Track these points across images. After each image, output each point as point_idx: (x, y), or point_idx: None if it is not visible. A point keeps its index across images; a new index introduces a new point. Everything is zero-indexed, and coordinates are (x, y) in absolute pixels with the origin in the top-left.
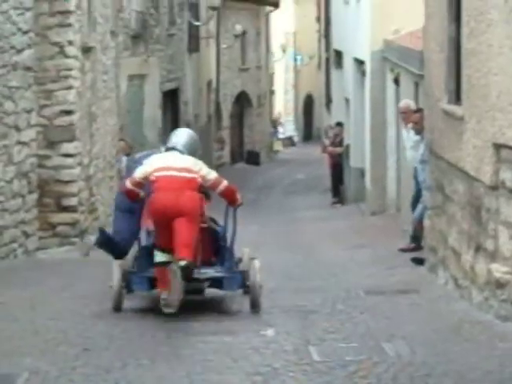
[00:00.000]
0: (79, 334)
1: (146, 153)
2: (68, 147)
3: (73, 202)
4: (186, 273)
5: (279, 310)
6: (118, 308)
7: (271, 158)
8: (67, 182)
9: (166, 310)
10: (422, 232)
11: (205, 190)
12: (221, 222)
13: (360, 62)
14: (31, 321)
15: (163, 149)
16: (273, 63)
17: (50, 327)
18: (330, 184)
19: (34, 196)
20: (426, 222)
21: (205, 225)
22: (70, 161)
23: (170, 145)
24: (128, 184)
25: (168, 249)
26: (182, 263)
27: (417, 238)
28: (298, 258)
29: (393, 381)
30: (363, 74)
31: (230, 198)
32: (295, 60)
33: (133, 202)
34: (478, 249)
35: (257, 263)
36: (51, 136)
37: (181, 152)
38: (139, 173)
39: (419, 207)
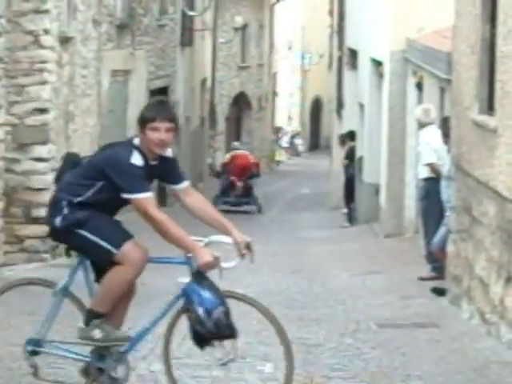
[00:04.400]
0: (49, 364)
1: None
2: (40, 150)
3: (44, 212)
4: None
5: (278, 342)
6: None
7: (272, 169)
8: (38, 190)
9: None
10: (445, 259)
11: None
12: None
13: (378, 63)
14: None
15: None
16: (277, 61)
17: (15, 354)
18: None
19: (0, 205)
20: (450, 248)
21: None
22: (42, 166)
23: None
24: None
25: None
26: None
27: (438, 266)
28: (300, 283)
29: None
30: (381, 76)
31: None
32: (303, 58)
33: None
34: (510, 280)
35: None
36: (21, 137)
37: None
38: (226, 157)
39: (441, 230)
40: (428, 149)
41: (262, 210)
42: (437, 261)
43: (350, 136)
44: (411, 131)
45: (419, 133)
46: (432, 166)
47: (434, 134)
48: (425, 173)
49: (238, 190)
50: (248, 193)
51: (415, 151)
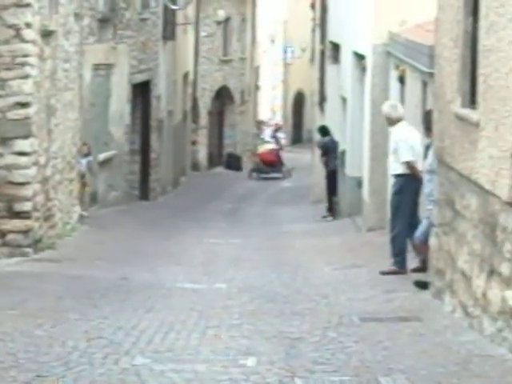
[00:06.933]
0: (31, 358)
1: None
2: (22, 144)
3: (26, 206)
4: None
5: (261, 336)
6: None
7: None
8: (20, 184)
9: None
10: (427, 252)
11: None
12: None
13: (360, 57)
14: None
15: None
16: (259, 55)
17: None
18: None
19: None
20: (432, 241)
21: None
22: (24, 160)
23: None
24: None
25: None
26: None
27: (400, 260)
28: (283, 276)
29: None
30: (363, 70)
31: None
32: (285, 52)
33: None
34: (492, 273)
35: (289, 166)
36: (3, 131)
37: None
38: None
39: (424, 224)
40: (405, 146)
41: (290, 176)
42: (401, 255)
43: (322, 131)
44: None
45: (390, 130)
46: (409, 164)
47: (408, 130)
48: (400, 169)
49: (262, 165)
50: (275, 166)
51: (389, 148)
